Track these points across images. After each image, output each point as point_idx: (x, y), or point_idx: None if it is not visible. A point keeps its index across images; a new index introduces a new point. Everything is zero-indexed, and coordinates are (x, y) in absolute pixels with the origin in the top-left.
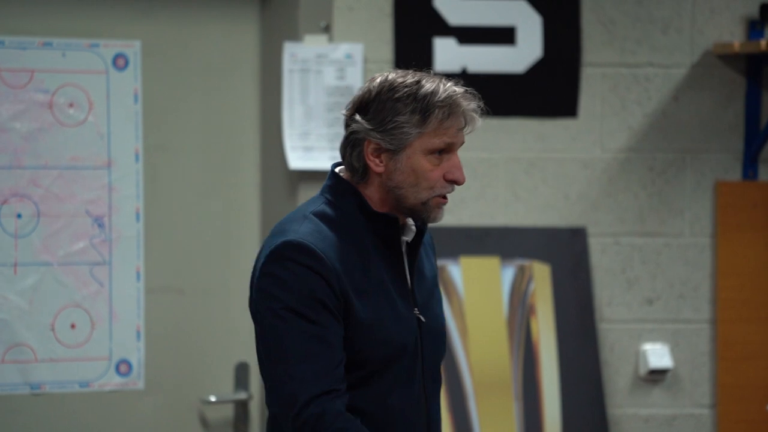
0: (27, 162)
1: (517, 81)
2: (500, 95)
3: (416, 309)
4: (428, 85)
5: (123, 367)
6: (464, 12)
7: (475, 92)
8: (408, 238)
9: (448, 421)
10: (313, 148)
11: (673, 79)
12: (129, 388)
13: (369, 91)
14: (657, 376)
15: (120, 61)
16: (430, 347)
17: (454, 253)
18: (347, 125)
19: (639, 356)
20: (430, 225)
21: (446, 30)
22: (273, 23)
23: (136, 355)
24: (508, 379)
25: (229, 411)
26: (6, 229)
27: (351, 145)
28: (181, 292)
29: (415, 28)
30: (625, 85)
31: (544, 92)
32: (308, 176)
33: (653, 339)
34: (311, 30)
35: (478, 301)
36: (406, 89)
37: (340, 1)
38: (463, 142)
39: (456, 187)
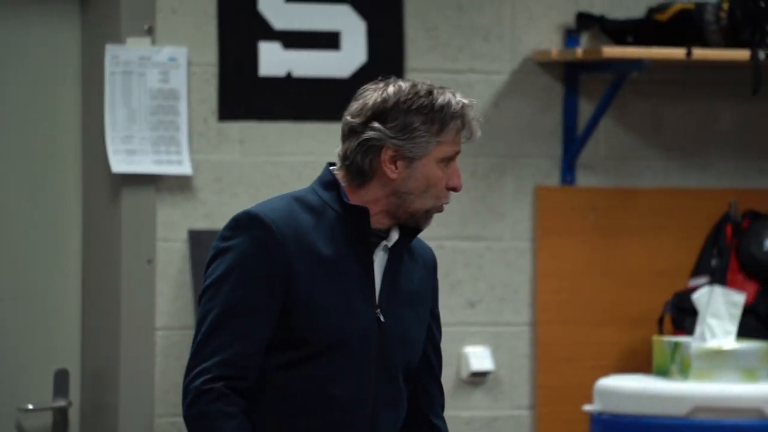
0: None
1: (343, 85)
2: (325, 99)
3: (378, 309)
4: (442, 96)
5: None
6: (289, 16)
7: (476, 103)
8: (389, 242)
9: None
10: (136, 151)
11: (493, 86)
12: None
13: (385, 100)
14: (478, 378)
15: None
16: (388, 350)
17: None
18: (355, 132)
19: (461, 359)
20: None
21: (271, 34)
22: (94, 24)
23: None
24: None
25: (47, 419)
26: None
27: (363, 151)
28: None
29: (240, 31)
30: None
31: None
32: (131, 180)
33: (475, 342)
34: (134, 32)
35: None
36: (422, 99)
37: (163, 4)
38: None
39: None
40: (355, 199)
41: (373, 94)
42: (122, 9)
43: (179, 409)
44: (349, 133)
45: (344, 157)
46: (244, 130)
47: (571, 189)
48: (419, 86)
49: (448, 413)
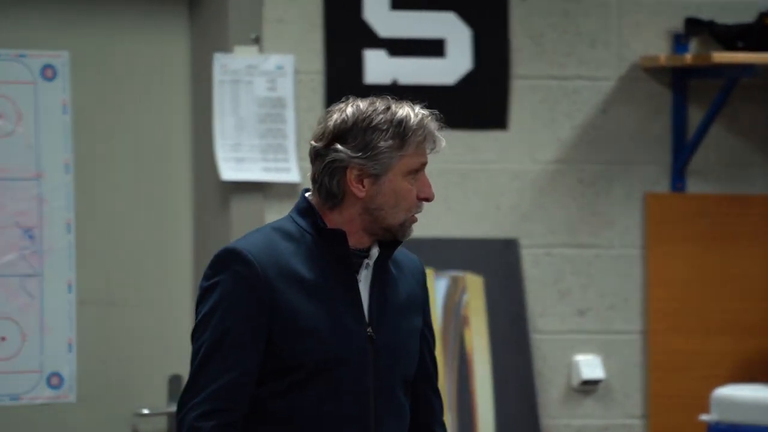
0: None
1: (448, 93)
2: (431, 107)
3: (369, 326)
4: (400, 111)
5: (54, 379)
6: (394, 24)
7: (437, 113)
8: (370, 260)
9: None
10: (244, 159)
11: (601, 92)
12: (60, 401)
13: (344, 121)
14: (589, 386)
15: (48, 72)
16: (383, 365)
17: None
18: (320, 155)
19: (571, 367)
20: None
21: (376, 42)
22: (203, 34)
23: (68, 367)
24: (442, 390)
25: (162, 423)
26: None
27: (330, 173)
28: (113, 304)
29: (346, 40)
30: (554, 98)
31: (475, 104)
32: (240, 187)
33: (585, 350)
34: (242, 41)
35: None
36: (381, 116)
37: (270, 13)
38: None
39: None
40: (331, 222)
41: (333, 116)
42: (230, 18)
43: None
44: (315, 157)
45: (314, 181)
46: None
47: (682, 196)
48: (377, 103)
49: (559, 421)
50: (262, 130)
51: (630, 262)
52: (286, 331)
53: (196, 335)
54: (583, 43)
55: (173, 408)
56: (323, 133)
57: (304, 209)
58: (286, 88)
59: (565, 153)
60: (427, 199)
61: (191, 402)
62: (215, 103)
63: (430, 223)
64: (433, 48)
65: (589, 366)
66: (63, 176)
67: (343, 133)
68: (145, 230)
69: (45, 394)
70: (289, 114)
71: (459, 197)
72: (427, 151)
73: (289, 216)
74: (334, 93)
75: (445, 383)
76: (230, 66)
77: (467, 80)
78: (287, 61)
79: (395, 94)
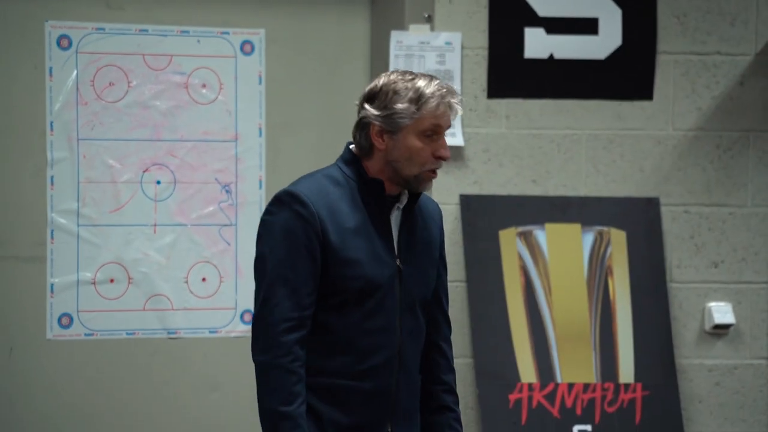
0: (165, 135)
1: (599, 67)
2: (583, 79)
3: (397, 259)
4: (421, 81)
5: (247, 316)
6: (552, 4)
7: (453, 88)
8: (401, 204)
9: (533, 368)
10: None
11: (739, 66)
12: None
13: (376, 85)
14: (720, 330)
15: (247, 47)
16: (407, 289)
17: (540, 221)
18: (358, 113)
19: (705, 313)
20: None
21: (536, 20)
22: (382, 14)
23: None
24: (587, 332)
25: None
26: (147, 194)
27: (360, 128)
28: None
29: (508, 18)
30: (695, 71)
31: (623, 77)
32: None
33: (718, 298)
34: (415, 20)
35: (561, 263)
36: (403, 84)
37: None
38: (449, 126)
39: (443, 163)
40: (369, 171)
41: (371, 84)
42: (406, 0)
43: (453, 352)
44: (357, 115)
45: (353, 135)
46: (510, 107)
47: None
48: (407, 75)
49: (693, 361)
50: None
51: (761, 220)
52: (335, 260)
53: (262, 265)
54: (724, 22)
55: None
56: (362, 95)
57: (349, 159)
58: (453, 62)
59: (704, 121)
60: (442, 158)
61: (270, 318)
62: None
63: (579, 183)
64: (587, 26)
65: (721, 312)
66: (257, 139)
67: (372, 95)
68: None
69: (238, 329)
70: (456, 85)
71: (606, 160)
72: (441, 117)
73: (336, 165)
74: (496, 67)
75: (589, 326)
76: (405, 42)
77: (617, 55)
78: (455, 38)
79: (551, 68)
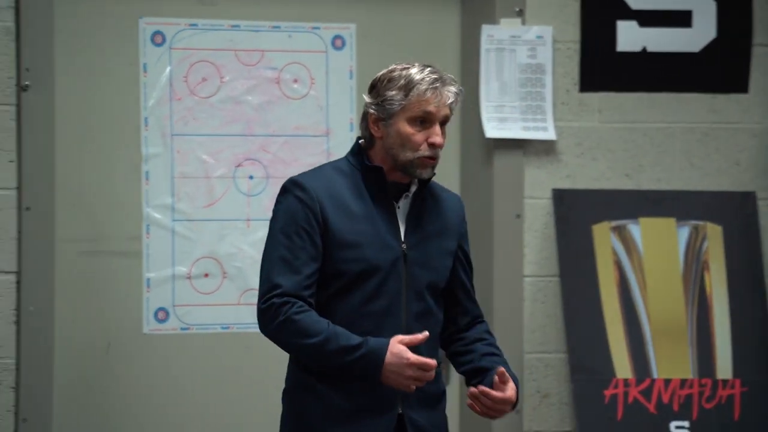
0: (257, 130)
1: (693, 59)
2: (677, 72)
3: (403, 244)
4: (414, 70)
5: None
6: None
7: (450, 76)
8: (409, 192)
9: (629, 362)
10: (506, 119)
11: None
12: None
13: (377, 77)
14: None
15: (338, 42)
16: (413, 273)
17: (634, 214)
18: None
19: None
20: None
21: (628, 13)
22: (472, 8)
23: None
24: (684, 327)
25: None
26: (240, 189)
27: (363, 118)
28: None
29: (600, 11)
30: None
31: (718, 70)
32: (502, 144)
33: None
34: (506, 14)
35: (656, 258)
36: (397, 73)
37: None
38: (445, 115)
39: (439, 151)
40: (373, 160)
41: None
42: None
43: (545, 347)
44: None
45: (359, 126)
46: (602, 100)
47: None
48: (405, 65)
49: None
50: (522, 93)
51: None
52: (336, 243)
53: (267, 244)
54: None
55: None
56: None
57: (355, 151)
58: (545, 55)
59: None
60: (434, 145)
61: (271, 292)
62: (482, 68)
63: (673, 177)
64: (681, 18)
65: None
66: (348, 133)
67: (372, 87)
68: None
69: None
70: (548, 79)
71: (701, 154)
72: (431, 104)
73: (345, 157)
74: (588, 60)
75: (686, 321)
76: (496, 36)
77: (711, 48)
78: (546, 31)
79: (644, 61)
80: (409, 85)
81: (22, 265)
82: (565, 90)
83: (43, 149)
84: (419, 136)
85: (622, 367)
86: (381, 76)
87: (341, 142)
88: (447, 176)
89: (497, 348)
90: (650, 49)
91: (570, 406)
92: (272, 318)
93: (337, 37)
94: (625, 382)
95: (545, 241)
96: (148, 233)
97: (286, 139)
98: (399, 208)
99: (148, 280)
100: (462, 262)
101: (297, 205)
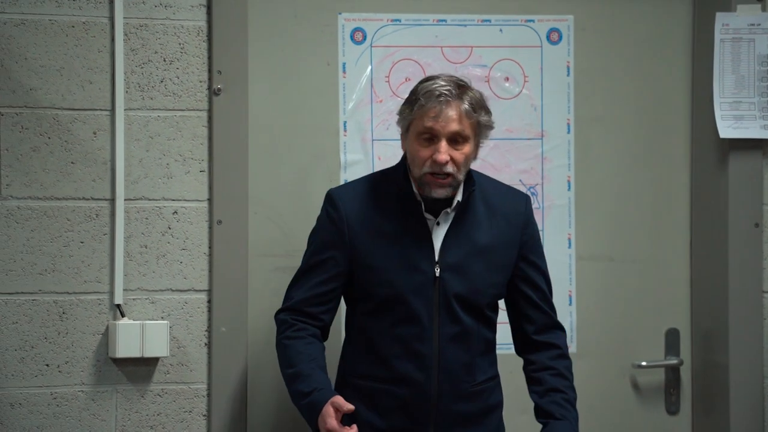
0: None
1: None
2: None
3: (437, 265)
4: (429, 82)
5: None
6: None
7: (462, 89)
8: (449, 209)
9: None
10: (743, 117)
11: None
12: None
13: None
14: None
15: (554, 36)
16: (446, 295)
17: None
18: None
19: None
20: None
21: None
22: None
23: (569, 319)
24: None
25: (660, 375)
26: None
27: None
28: (611, 259)
29: None
30: None
31: None
32: (739, 144)
33: None
34: (744, 0)
35: None
36: (420, 85)
37: None
38: (454, 131)
39: (449, 168)
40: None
41: None
42: None
43: None
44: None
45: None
46: None
47: None
48: (433, 76)
49: None
50: (762, 88)
51: None
52: (361, 265)
53: (306, 250)
54: None
55: (671, 361)
56: None
57: (398, 166)
58: None
59: None
60: (435, 162)
61: (284, 306)
62: (715, 62)
63: None
64: None
65: None
66: (564, 135)
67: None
68: (643, 188)
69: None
70: None
71: None
72: (433, 117)
73: (386, 169)
74: None
75: None
76: (732, 24)
77: None
78: None
79: None
80: (414, 100)
81: (213, 282)
82: None
83: (235, 158)
84: (425, 153)
85: None
86: (413, 88)
87: (557, 145)
88: (676, 183)
89: (564, 378)
90: None
91: None
92: (277, 333)
93: (552, 30)
94: None
95: None
96: None
97: (497, 142)
98: (438, 224)
99: None
100: (524, 273)
101: (326, 220)
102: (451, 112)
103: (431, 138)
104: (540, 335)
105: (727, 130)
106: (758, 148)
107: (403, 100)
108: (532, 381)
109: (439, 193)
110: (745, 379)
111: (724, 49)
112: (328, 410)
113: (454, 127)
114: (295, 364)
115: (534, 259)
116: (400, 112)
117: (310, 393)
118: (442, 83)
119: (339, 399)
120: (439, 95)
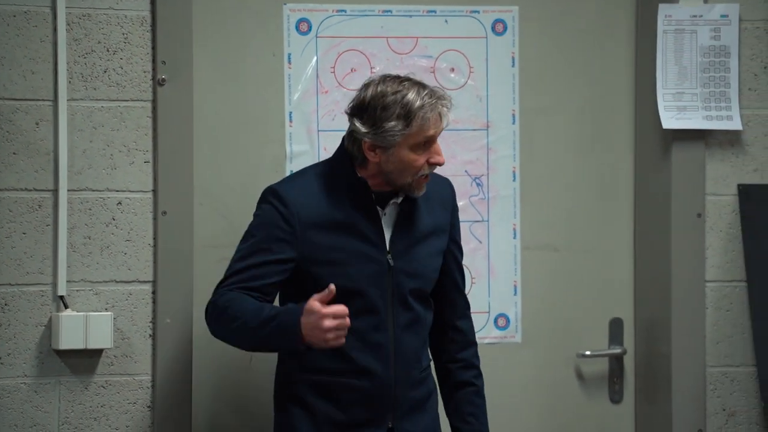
0: None
1: None
2: None
3: (389, 254)
4: (409, 94)
5: (501, 320)
6: None
7: (442, 92)
8: (398, 200)
9: None
10: (686, 108)
11: None
12: (507, 341)
13: (363, 99)
14: None
15: (498, 26)
16: (398, 283)
17: None
18: (349, 120)
19: None
20: None
21: None
22: None
23: (514, 309)
24: None
25: (603, 365)
26: None
27: (352, 140)
28: (556, 249)
29: None
30: None
31: None
32: (682, 135)
33: None
34: None
35: None
36: (391, 98)
37: None
38: (441, 131)
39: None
40: (361, 172)
41: (362, 92)
42: None
43: (731, 360)
44: (348, 119)
45: (344, 142)
46: None
47: None
48: (394, 85)
49: None
50: (704, 79)
51: None
52: (318, 262)
53: (238, 246)
54: None
55: (614, 350)
56: (352, 104)
57: (341, 159)
58: (730, 37)
59: None
60: (438, 164)
61: (220, 286)
62: (658, 53)
63: None
64: None
65: None
66: (510, 126)
67: (360, 110)
68: (587, 178)
69: (492, 334)
70: (733, 62)
71: None
72: (433, 128)
73: (329, 163)
74: None
75: None
76: (675, 16)
77: None
78: (732, 9)
79: None
80: (409, 115)
81: (158, 274)
82: (752, 74)
83: (180, 149)
84: (421, 160)
85: None
86: (371, 100)
87: (503, 135)
88: (620, 173)
89: (479, 399)
90: None
91: (761, 426)
92: (209, 309)
93: (497, 21)
94: None
95: (730, 242)
96: None
97: (442, 133)
98: (385, 215)
99: None
100: (453, 255)
101: (271, 213)
102: (444, 114)
103: (426, 144)
104: (460, 320)
105: (670, 120)
106: (700, 139)
107: (348, 91)
108: (448, 393)
109: (422, 190)
110: (688, 368)
111: (666, 40)
112: (311, 304)
113: (442, 128)
114: (242, 314)
115: (459, 242)
116: (384, 130)
117: (275, 315)
118: (426, 90)
119: (316, 294)
120: (433, 104)
